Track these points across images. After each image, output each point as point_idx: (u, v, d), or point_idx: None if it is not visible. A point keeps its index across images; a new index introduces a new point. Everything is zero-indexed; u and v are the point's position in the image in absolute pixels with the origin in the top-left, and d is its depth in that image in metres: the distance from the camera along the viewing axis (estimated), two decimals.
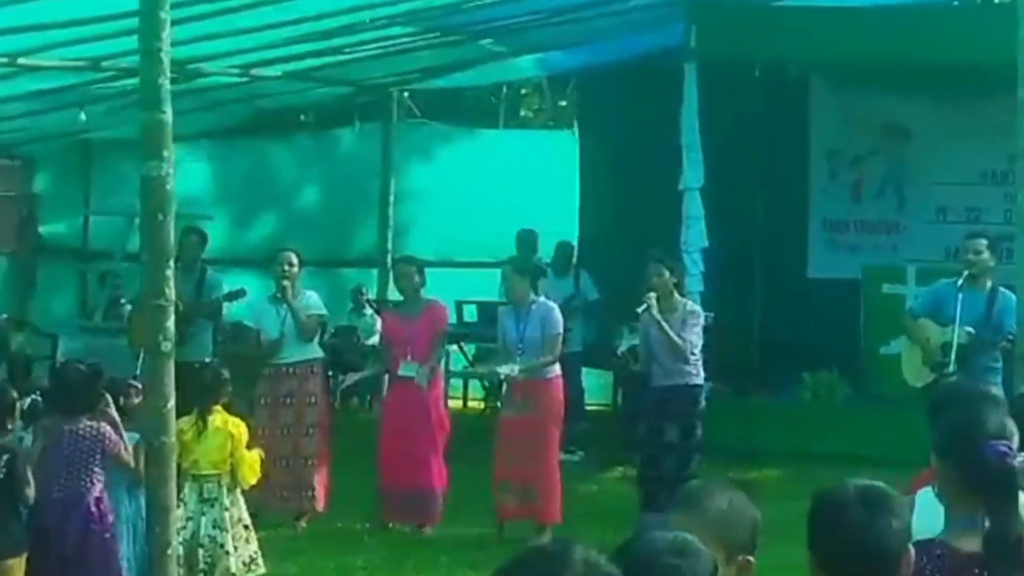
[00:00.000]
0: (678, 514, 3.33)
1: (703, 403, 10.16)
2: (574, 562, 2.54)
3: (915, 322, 10.13)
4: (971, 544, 3.51)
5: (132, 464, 7.41)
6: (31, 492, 7.08)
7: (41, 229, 17.15)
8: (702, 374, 10.14)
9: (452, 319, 12.59)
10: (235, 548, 8.45)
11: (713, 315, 10.53)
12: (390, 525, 10.36)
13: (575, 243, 14.74)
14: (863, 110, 14.72)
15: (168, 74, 6.99)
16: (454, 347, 14.17)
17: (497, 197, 16.11)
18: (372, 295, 16.02)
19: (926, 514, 3.73)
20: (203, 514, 8.42)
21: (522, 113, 23.55)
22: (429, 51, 13.77)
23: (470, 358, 15.15)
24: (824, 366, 13.44)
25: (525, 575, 2.55)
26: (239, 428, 8.54)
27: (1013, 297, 9.46)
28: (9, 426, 7.18)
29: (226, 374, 8.72)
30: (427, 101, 19.16)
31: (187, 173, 13.46)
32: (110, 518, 7.46)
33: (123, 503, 7.71)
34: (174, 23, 7.16)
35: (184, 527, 8.21)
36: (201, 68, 12.37)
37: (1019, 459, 3.56)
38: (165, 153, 6.96)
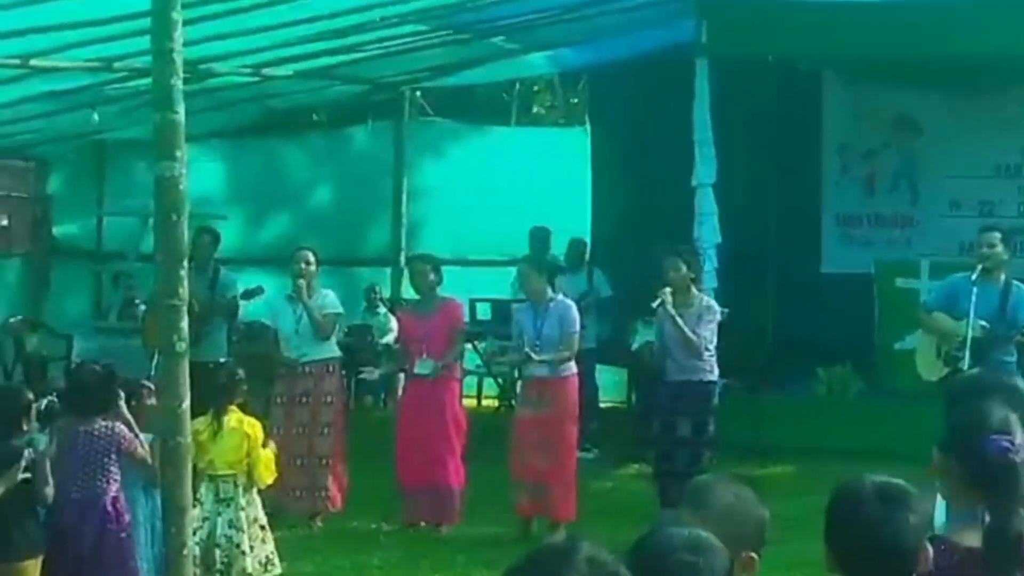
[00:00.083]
0: (685, 510, 3.34)
1: (716, 399, 10.16)
2: (579, 560, 2.55)
3: (929, 316, 10.12)
4: (972, 539, 3.51)
5: (149, 460, 7.42)
6: (50, 492, 7.10)
7: (55, 230, 17.20)
8: (716, 370, 10.14)
9: (466, 317, 12.60)
10: (251, 548, 8.46)
11: (727, 310, 10.52)
12: (410, 525, 10.34)
13: (588, 240, 14.74)
14: (875, 104, 14.70)
15: (180, 74, 7.00)
16: (468, 345, 14.17)
17: (510, 194, 16.11)
18: (386, 294, 16.04)
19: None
20: (219, 514, 8.42)
21: (534, 110, 23.55)
22: (441, 49, 13.77)
23: (484, 356, 15.16)
24: (838, 361, 13.44)
25: (532, 573, 2.56)
26: (255, 428, 8.55)
27: None
28: (25, 427, 7.20)
29: (241, 374, 8.72)
30: (439, 99, 19.16)
31: (200, 173, 13.48)
32: (127, 518, 7.47)
33: (139, 503, 7.73)
34: (186, 23, 7.16)
35: (200, 527, 8.22)
36: (213, 68, 12.38)
37: (1021, 454, 3.55)
38: (178, 153, 6.97)
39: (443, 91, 18.16)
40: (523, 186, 16.18)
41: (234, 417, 8.53)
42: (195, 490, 7.77)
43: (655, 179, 13.94)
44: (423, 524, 10.36)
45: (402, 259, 15.96)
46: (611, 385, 14.85)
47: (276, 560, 8.62)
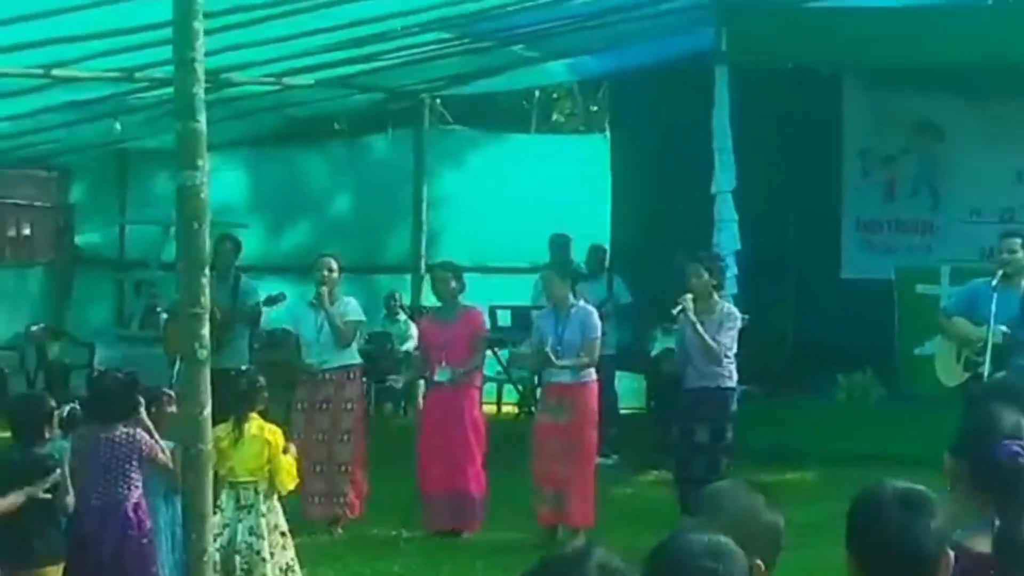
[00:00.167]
0: (698, 517, 3.34)
1: (734, 406, 10.15)
2: (590, 567, 2.56)
3: (949, 321, 10.10)
4: (984, 544, 3.50)
5: (170, 465, 7.45)
6: (71, 500, 7.13)
7: (77, 239, 17.29)
8: (735, 377, 10.13)
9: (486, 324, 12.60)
10: (271, 555, 8.47)
11: (748, 316, 10.52)
12: (432, 532, 10.35)
13: (607, 247, 14.75)
14: (896, 109, 14.69)
15: (202, 83, 7.03)
16: (488, 352, 14.19)
17: (529, 202, 16.13)
18: (406, 301, 16.06)
19: None
20: (240, 521, 8.44)
21: (554, 118, 23.58)
22: (461, 57, 13.81)
23: (503, 363, 15.18)
24: (858, 367, 13.41)
25: None
26: (275, 435, 8.57)
27: None
28: (48, 434, 7.24)
29: (262, 381, 8.74)
30: (459, 107, 19.20)
31: (221, 182, 13.53)
32: (148, 524, 7.49)
33: (160, 510, 7.75)
34: (207, 33, 7.20)
35: (221, 534, 8.24)
36: (234, 77, 12.44)
37: None
38: (200, 162, 7.00)
39: (463, 99, 18.20)
40: (543, 193, 16.19)
41: (255, 424, 8.55)
42: (216, 497, 7.79)
43: (675, 186, 13.94)
44: (445, 531, 10.37)
45: (422, 266, 16.01)
46: (631, 391, 14.86)
47: (296, 567, 8.63)
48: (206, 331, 7.02)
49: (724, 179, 12.44)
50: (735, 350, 10.09)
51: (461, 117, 19.05)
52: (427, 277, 14.44)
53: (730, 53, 12.55)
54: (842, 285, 14.63)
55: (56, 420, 7.34)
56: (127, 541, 7.37)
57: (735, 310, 10.31)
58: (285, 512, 8.74)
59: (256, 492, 8.47)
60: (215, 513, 7.75)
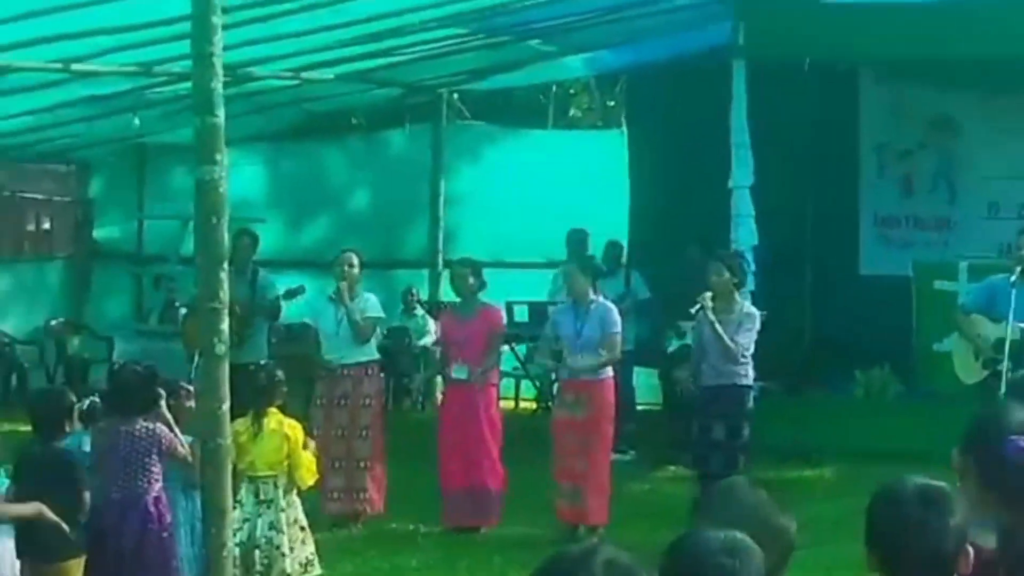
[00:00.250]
0: (704, 513, 3.33)
1: (751, 403, 10.15)
2: (596, 564, 2.57)
3: (967, 318, 10.08)
4: (992, 541, 3.49)
5: (189, 459, 7.47)
6: (88, 497, 7.14)
7: (96, 233, 17.34)
8: (751, 375, 10.13)
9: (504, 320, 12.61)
10: (291, 549, 8.49)
11: (766, 312, 10.52)
12: (451, 528, 10.35)
13: (624, 243, 14.74)
14: (913, 104, 14.65)
15: (220, 78, 7.05)
16: (505, 348, 14.20)
17: (547, 197, 16.12)
18: (423, 296, 16.07)
19: None
20: (260, 515, 8.46)
21: (571, 113, 23.54)
22: (478, 52, 13.81)
23: (521, 358, 15.18)
24: (876, 363, 13.39)
25: None
26: (295, 430, 8.58)
27: None
28: (68, 428, 7.27)
29: (280, 375, 8.76)
30: (476, 102, 19.20)
31: (240, 176, 13.56)
32: (168, 518, 7.52)
33: (179, 504, 7.77)
34: (226, 28, 7.21)
35: (240, 528, 8.26)
36: (253, 72, 12.46)
37: None
38: (218, 156, 7.02)
39: (480, 94, 18.21)
40: (560, 189, 16.18)
41: (274, 419, 8.57)
42: (235, 492, 7.81)
43: (692, 181, 13.93)
44: (464, 526, 10.39)
45: (439, 262, 16.02)
46: (648, 387, 14.85)
47: (316, 561, 8.65)
48: (225, 326, 7.04)
49: (741, 174, 12.42)
50: (752, 350, 10.08)
51: (478, 112, 19.05)
52: (444, 272, 14.47)
53: (747, 48, 12.53)
54: (860, 281, 14.60)
55: (76, 414, 7.37)
56: (147, 534, 7.40)
57: (755, 310, 10.29)
58: (304, 508, 8.76)
59: (276, 487, 8.49)
60: (234, 508, 7.77)
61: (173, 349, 12.57)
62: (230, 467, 7.32)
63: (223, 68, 7.13)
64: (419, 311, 15.79)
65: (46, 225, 18.59)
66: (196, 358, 8.45)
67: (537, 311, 13.82)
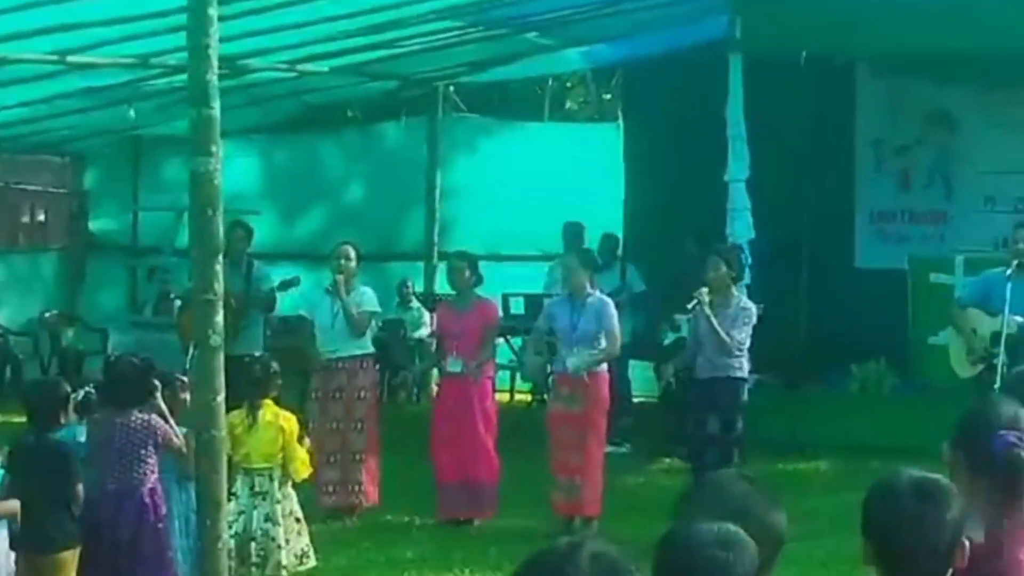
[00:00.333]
0: (692, 505, 3.31)
1: (745, 396, 10.16)
2: (582, 557, 2.56)
3: (963, 312, 10.07)
4: (982, 535, 3.49)
5: (184, 451, 7.46)
6: (81, 489, 7.13)
7: (91, 225, 17.31)
8: (746, 368, 10.13)
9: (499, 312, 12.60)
10: (287, 541, 8.49)
11: (763, 305, 10.52)
12: (446, 520, 10.35)
13: (620, 235, 14.73)
14: (910, 99, 14.65)
15: (216, 70, 7.04)
16: (500, 340, 14.20)
17: (543, 190, 16.11)
18: (418, 289, 16.06)
19: None
20: (255, 508, 8.46)
21: (567, 106, 23.55)
22: (474, 45, 13.80)
23: (516, 351, 15.18)
24: (872, 357, 13.40)
25: (536, 570, 2.58)
26: (290, 422, 8.58)
27: None
28: (63, 419, 7.26)
29: (276, 367, 8.76)
30: (472, 95, 19.19)
31: (235, 168, 13.53)
32: (163, 509, 7.51)
33: (174, 496, 7.77)
34: (222, 19, 7.21)
35: (236, 520, 8.26)
36: (249, 64, 12.44)
37: None
38: (213, 148, 7.01)
39: (476, 87, 18.19)
40: (556, 182, 16.17)
41: (269, 411, 8.57)
42: (231, 483, 7.81)
43: (688, 175, 13.93)
44: (458, 519, 10.39)
45: (435, 254, 16.02)
46: (643, 380, 14.85)
47: (311, 553, 8.65)
48: (219, 317, 7.03)
49: (738, 168, 12.41)
50: (748, 344, 10.09)
51: (474, 105, 19.03)
52: (440, 265, 14.46)
53: (744, 42, 12.52)
54: (856, 274, 14.61)
55: (72, 405, 7.36)
56: (143, 525, 7.39)
57: (751, 304, 10.28)
58: (299, 500, 8.76)
59: (271, 479, 8.49)
60: (230, 500, 7.76)
61: (168, 341, 12.56)
62: (225, 459, 7.31)
63: (219, 60, 7.12)
64: (415, 304, 15.79)
65: (41, 217, 18.57)
66: (191, 350, 8.43)
67: (533, 303, 13.82)
